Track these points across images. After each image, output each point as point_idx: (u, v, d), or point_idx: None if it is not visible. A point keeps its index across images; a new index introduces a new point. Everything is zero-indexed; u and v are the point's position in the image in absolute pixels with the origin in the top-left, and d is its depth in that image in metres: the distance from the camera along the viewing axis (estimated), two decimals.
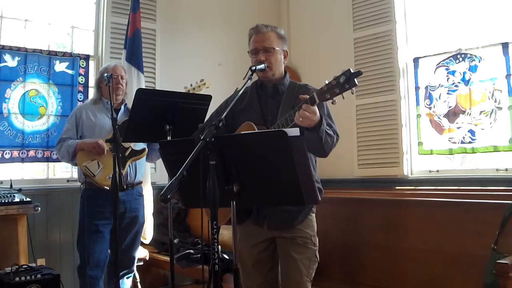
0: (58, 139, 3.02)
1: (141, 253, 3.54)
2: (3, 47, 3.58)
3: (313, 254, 2.11)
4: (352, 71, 1.75)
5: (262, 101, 2.18)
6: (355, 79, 1.75)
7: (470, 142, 3.81)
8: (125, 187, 2.88)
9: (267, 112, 2.15)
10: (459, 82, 3.89)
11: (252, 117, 2.11)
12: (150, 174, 3.91)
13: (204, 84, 2.91)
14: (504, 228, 2.36)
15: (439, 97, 4.03)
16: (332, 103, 1.83)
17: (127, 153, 2.95)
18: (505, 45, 3.62)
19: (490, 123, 3.70)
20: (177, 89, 2.85)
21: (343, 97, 1.80)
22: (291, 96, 2.09)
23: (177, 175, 1.47)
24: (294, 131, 1.58)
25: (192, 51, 4.60)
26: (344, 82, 1.76)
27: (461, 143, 3.86)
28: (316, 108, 1.84)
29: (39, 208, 3.14)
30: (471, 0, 3.91)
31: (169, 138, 2.58)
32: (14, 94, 3.64)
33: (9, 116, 3.61)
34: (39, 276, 2.90)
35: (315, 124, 1.86)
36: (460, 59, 3.88)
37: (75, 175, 3.54)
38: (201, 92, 2.88)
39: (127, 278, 3.15)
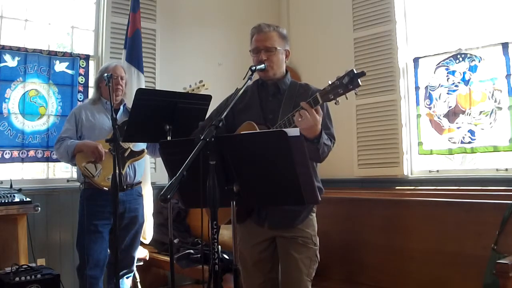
0: (57, 138, 3.02)
1: (141, 253, 3.54)
2: (3, 47, 3.58)
3: (314, 254, 2.11)
4: (355, 72, 1.75)
5: (263, 100, 2.19)
6: (359, 80, 1.75)
7: (470, 142, 3.81)
8: (124, 187, 2.88)
9: (267, 111, 2.15)
10: (459, 82, 3.89)
11: (253, 116, 2.10)
12: (150, 174, 3.91)
13: (203, 85, 2.91)
14: (504, 228, 2.37)
15: (439, 97, 4.03)
16: (336, 103, 1.83)
17: (126, 154, 2.95)
18: (505, 45, 3.62)
19: (490, 123, 3.70)
20: (177, 89, 2.85)
21: (346, 98, 1.80)
22: (292, 95, 2.09)
23: (177, 175, 1.47)
24: (294, 131, 1.58)
25: (192, 51, 4.60)
26: (348, 82, 1.76)
27: (461, 143, 3.86)
28: (315, 113, 1.83)
29: (39, 208, 3.14)
30: (471, 0, 3.91)
31: (169, 138, 2.58)
32: (14, 94, 3.64)
33: (9, 116, 3.61)
34: (39, 276, 2.89)
35: (315, 136, 1.87)
36: (460, 59, 3.88)
37: (75, 175, 3.53)
38: (201, 93, 2.88)
39: (127, 278, 3.15)
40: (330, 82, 1.81)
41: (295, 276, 2.07)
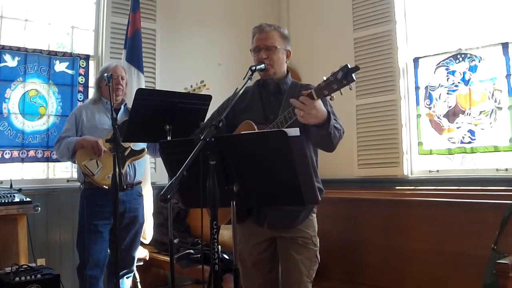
0: (57, 138, 3.02)
1: (141, 253, 3.54)
2: (3, 47, 3.58)
3: (314, 254, 2.11)
4: (349, 67, 1.75)
5: (264, 100, 2.19)
6: (353, 75, 1.74)
7: (469, 142, 3.81)
8: (125, 187, 2.88)
9: (268, 111, 2.15)
10: (459, 82, 3.89)
11: (254, 116, 2.11)
12: (150, 174, 3.91)
13: (204, 85, 2.90)
14: (504, 228, 2.36)
15: (439, 97, 4.03)
16: (330, 99, 1.82)
17: (126, 153, 2.95)
18: (505, 45, 3.62)
19: (490, 123, 3.70)
20: (177, 89, 2.85)
21: (341, 93, 1.79)
22: (293, 95, 2.09)
23: (177, 175, 1.47)
24: (294, 131, 1.58)
25: (192, 51, 4.61)
26: (342, 77, 1.75)
27: (461, 143, 3.86)
28: (316, 102, 1.81)
29: (39, 208, 3.14)
30: (471, 0, 3.91)
31: (169, 138, 2.58)
32: (14, 94, 3.64)
33: (9, 116, 3.61)
34: (39, 276, 2.89)
35: (322, 120, 1.84)
36: (460, 59, 3.88)
37: (75, 175, 3.54)
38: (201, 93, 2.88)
39: (127, 278, 3.16)
40: (325, 78, 1.80)
41: (295, 277, 2.07)
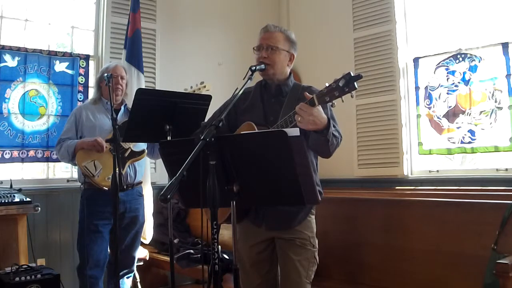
0: (58, 140, 3.02)
1: (141, 253, 3.54)
2: (3, 47, 3.58)
3: (312, 255, 2.11)
4: (352, 75, 1.75)
5: (265, 101, 2.19)
6: (355, 83, 1.74)
7: (469, 142, 3.81)
8: (124, 187, 2.88)
9: (269, 113, 2.14)
10: (459, 82, 3.89)
11: (254, 117, 2.11)
12: (150, 174, 3.91)
13: (205, 86, 2.90)
14: (504, 228, 2.36)
15: (439, 97, 4.03)
16: (332, 106, 1.83)
17: (126, 154, 2.95)
18: (505, 45, 3.62)
19: (490, 123, 3.70)
20: (177, 89, 2.85)
21: (343, 100, 1.80)
22: (294, 97, 2.09)
23: (177, 175, 1.47)
24: (294, 131, 1.58)
25: (192, 51, 4.61)
26: (344, 85, 1.75)
27: (461, 143, 3.86)
28: (315, 109, 1.83)
29: (39, 208, 3.14)
30: (471, 0, 3.91)
31: (169, 138, 2.58)
32: (14, 94, 3.64)
33: (9, 116, 3.61)
34: (39, 276, 2.89)
35: (321, 127, 1.86)
36: (460, 59, 3.88)
37: (75, 175, 3.54)
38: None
39: (127, 278, 3.16)
40: (327, 85, 1.81)
41: (293, 278, 2.06)
